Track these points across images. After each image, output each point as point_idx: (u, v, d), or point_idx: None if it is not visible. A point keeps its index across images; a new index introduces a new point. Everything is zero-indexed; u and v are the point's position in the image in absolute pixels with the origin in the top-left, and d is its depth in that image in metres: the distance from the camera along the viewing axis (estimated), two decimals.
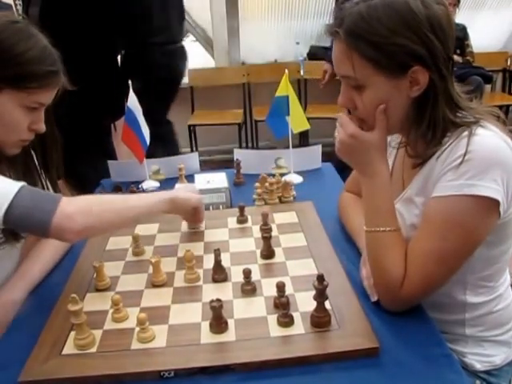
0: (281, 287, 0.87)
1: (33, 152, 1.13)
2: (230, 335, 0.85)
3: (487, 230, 0.86)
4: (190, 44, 5.85)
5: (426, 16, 0.83)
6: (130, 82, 1.58)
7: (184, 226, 1.27)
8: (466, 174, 0.82)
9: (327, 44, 4.23)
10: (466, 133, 0.85)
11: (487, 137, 0.85)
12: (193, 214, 1.19)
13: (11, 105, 0.97)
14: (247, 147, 4.01)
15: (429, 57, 0.83)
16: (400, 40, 0.82)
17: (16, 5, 5.80)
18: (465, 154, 0.83)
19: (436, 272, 0.86)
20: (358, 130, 0.90)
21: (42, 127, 1.04)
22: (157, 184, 1.58)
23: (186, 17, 4.28)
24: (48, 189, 1.16)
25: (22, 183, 0.90)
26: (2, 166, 1.04)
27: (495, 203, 0.83)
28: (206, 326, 0.87)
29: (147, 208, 1.07)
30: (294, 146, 1.59)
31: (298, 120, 1.54)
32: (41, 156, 1.14)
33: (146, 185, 1.54)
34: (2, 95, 0.96)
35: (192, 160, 1.64)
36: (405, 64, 0.84)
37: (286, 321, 0.86)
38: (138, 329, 0.86)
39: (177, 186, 1.42)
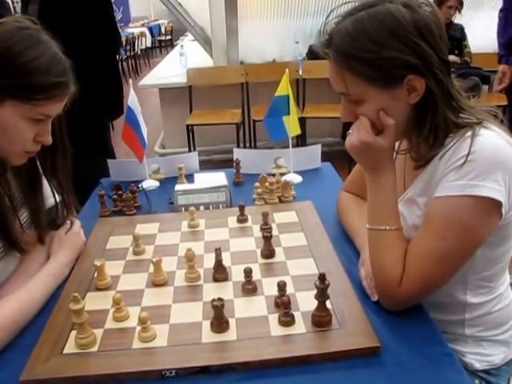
0: (282, 286, 0.87)
1: (38, 161, 1.11)
2: (231, 334, 0.86)
3: (488, 230, 0.87)
4: (188, 43, 5.87)
5: (413, 22, 0.82)
6: (130, 80, 1.57)
7: (184, 225, 1.27)
8: (469, 174, 0.83)
9: None
10: (469, 133, 0.86)
11: (490, 137, 0.85)
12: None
13: (15, 116, 0.92)
14: (245, 147, 4.01)
15: (421, 64, 0.83)
16: (390, 53, 0.82)
17: (14, 2, 5.78)
18: (468, 155, 0.83)
19: (435, 271, 0.86)
20: (370, 137, 0.89)
21: (48, 139, 0.99)
22: (156, 183, 1.58)
23: (185, 16, 4.30)
24: (56, 196, 1.15)
25: None
26: (7, 174, 1.03)
27: (497, 204, 0.83)
28: (206, 325, 0.88)
29: (54, 286, 1.03)
30: (291, 146, 1.60)
31: (292, 123, 1.55)
32: (50, 163, 1.11)
33: (145, 184, 1.54)
34: (5, 106, 0.90)
35: (192, 159, 1.64)
36: (398, 75, 0.84)
37: (287, 320, 0.87)
38: (139, 328, 0.86)
39: (177, 186, 1.43)
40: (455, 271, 0.88)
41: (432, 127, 0.88)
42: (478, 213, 0.84)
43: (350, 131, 0.94)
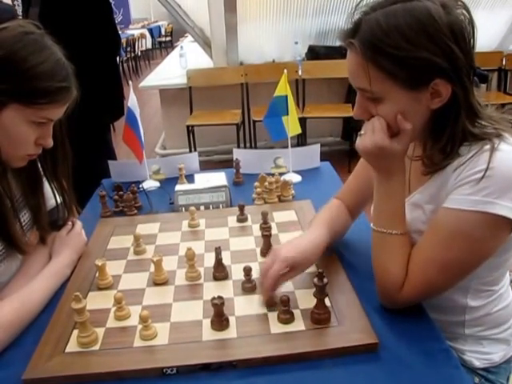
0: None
1: (39, 162, 1.12)
2: (231, 332, 0.86)
3: (496, 246, 0.85)
4: (188, 44, 5.88)
5: (448, 23, 0.78)
6: (130, 82, 1.58)
7: (185, 225, 1.28)
8: (484, 190, 0.80)
9: (326, 43, 4.26)
10: (487, 146, 0.82)
11: (510, 154, 0.82)
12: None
13: (18, 120, 0.93)
14: (245, 147, 4.02)
15: (451, 69, 0.79)
16: (421, 53, 0.77)
17: (15, 5, 5.81)
18: (486, 170, 0.79)
19: (437, 280, 0.86)
20: (386, 141, 0.85)
21: (49, 142, 1.00)
22: (157, 184, 1.59)
23: (185, 17, 4.31)
24: (57, 197, 1.17)
25: None
26: (7, 176, 1.03)
27: (509, 222, 0.81)
28: (207, 323, 0.88)
29: (56, 286, 1.03)
30: (291, 146, 1.60)
31: (292, 123, 1.56)
32: (50, 164, 1.12)
33: (146, 184, 1.55)
34: (9, 110, 0.92)
35: (192, 160, 1.65)
36: (426, 78, 0.80)
37: (287, 318, 0.87)
38: (140, 326, 0.87)
39: (177, 186, 1.44)
40: (458, 280, 0.87)
41: (450, 137, 0.85)
42: (488, 229, 0.81)
43: (362, 132, 0.88)
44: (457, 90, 0.81)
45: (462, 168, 0.83)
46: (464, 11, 0.81)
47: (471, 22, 0.82)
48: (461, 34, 0.79)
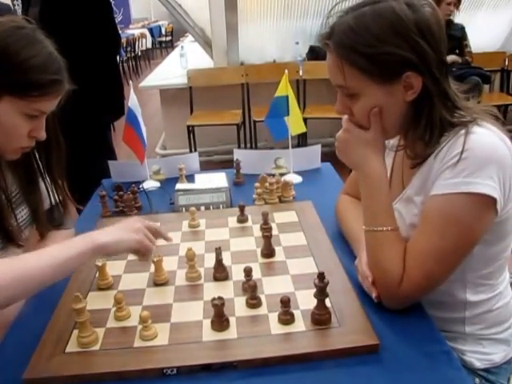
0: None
1: (35, 154, 1.13)
2: (231, 333, 0.86)
3: (485, 227, 0.87)
4: (188, 44, 5.88)
5: (414, 21, 0.84)
6: (130, 81, 1.58)
7: (185, 225, 1.28)
8: (464, 171, 0.83)
9: None
10: (462, 131, 0.86)
11: (483, 135, 0.86)
12: (137, 252, 0.97)
13: (11, 112, 0.95)
14: (246, 147, 4.01)
15: (420, 62, 0.84)
16: (390, 48, 0.83)
17: (14, 5, 5.82)
18: (462, 153, 0.84)
19: (436, 270, 0.87)
20: (353, 125, 0.93)
21: (42, 135, 1.02)
22: (157, 184, 1.59)
23: (185, 17, 4.31)
24: (50, 190, 1.17)
25: None
26: (2, 169, 1.04)
27: (492, 201, 0.84)
28: (207, 323, 0.88)
29: (65, 262, 0.85)
30: (292, 147, 1.60)
31: (295, 122, 1.56)
32: (45, 160, 1.13)
33: (146, 185, 1.55)
34: (3, 102, 0.94)
35: (192, 160, 1.65)
36: (396, 71, 0.86)
37: (287, 318, 0.87)
38: (140, 327, 0.87)
39: (177, 185, 1.44)
40: (454, 268, 0.88)
41: (427, 125, 0.89)
42: (474, 209, 0.84)
43: (337, 134, 0.97)
44: (427, 81, 0.86)
45: (442, 155, 0.88)
46: (430, 9, 0.86)
47: (438, 18, 0.87)
48: (428, 29, 0.85)
